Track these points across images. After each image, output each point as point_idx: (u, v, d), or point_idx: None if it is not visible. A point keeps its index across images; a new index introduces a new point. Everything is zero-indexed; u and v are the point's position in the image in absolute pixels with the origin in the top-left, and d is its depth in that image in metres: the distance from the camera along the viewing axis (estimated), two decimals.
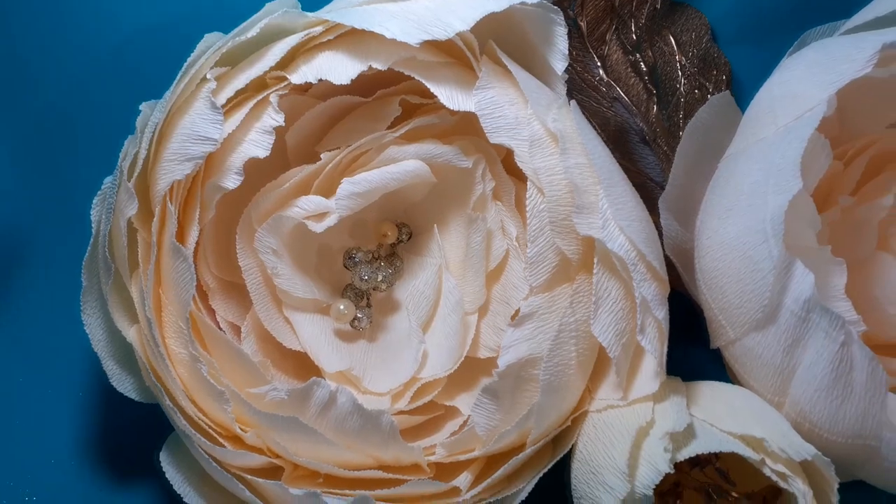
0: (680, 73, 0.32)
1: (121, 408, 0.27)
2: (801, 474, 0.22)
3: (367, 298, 0.29)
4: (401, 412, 0.26)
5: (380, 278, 0.28)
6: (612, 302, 0.23)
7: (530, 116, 0.24)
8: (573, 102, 0.25)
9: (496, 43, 0.26)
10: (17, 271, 0.29)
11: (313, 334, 0.27)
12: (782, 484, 0.22)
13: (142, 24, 0.29)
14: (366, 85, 0.27)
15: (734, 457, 0.23)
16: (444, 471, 0.25)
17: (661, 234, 0.28)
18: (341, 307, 0.28)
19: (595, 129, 0.25)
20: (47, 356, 0.29)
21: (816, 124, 0.24)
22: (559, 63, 0.26)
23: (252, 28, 0.24)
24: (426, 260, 0.29)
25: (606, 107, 0.32)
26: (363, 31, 0.24)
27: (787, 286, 0.23)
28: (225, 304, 0.27)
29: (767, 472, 0.22)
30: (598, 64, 0.32)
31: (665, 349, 0.24)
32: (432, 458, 0.25)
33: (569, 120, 0.24)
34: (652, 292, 0.23)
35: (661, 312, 0.23)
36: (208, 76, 0.24)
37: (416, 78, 0.24)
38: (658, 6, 0.32)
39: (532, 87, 0.25)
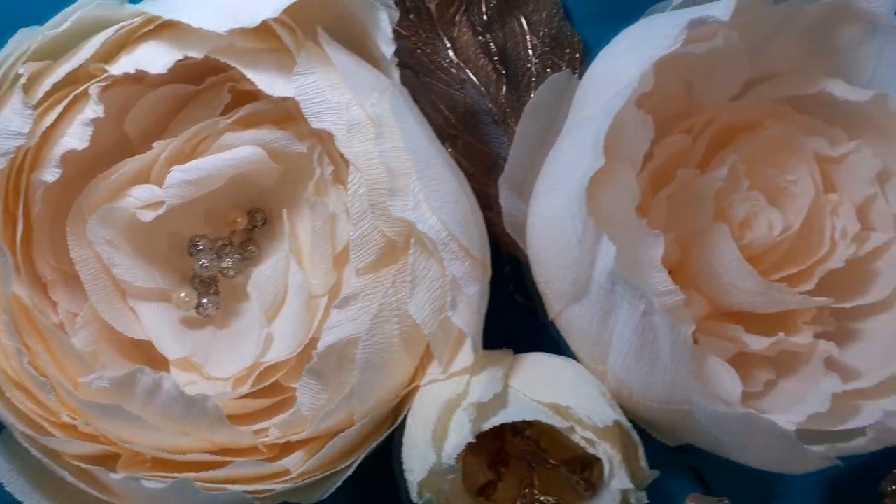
0: (531, 53, 0.33)
1: None
2: (610, 439, 0.23)
3: (216, 285, 0.29)
4: (244, 396, 0.27)
5: (225, 265, 0.29)
6: (429, 281, 0.24)
7: (350, 101, 0.25)
8: (398, 86, 0.26)
9: (331, 29, 0.27)
10: None
11: (156, 323, 0.28)
12: (590, 449, 0.23)
13: None
14: (201, 73, 0.27)
15: (549, 425, 0.24)
16: (282, 451, 0.26)
17: None
18: (182, 295, 0.28)
19: (415, 113, 0.26)
20: None
21: (624, 101, 0.25)
22: (387, 47, 0.26)
23: (64, 22, 0.25)
24: (278, 245, 0.29)
25: (456, 89, 0.32)
26: (179, 22, 0.24)
27: (594, 260, 0.24)
28: (67, 296, 0.27)
29: (576, 438, 0.23)
30: (448, 46, 0.32)
31: (479, 324, 0.25)
32: (267, 440, 0.25)
33: (387, 104, 0.25)
34: (463, 270, 0.24)
35: (473, 289, 0.24)
36: (21, 71, 0.24)
37: (233, 65, 0.25)
38: None
39: (352, 71, 0.25)
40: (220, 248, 0.29)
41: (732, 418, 0.24)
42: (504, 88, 0.32)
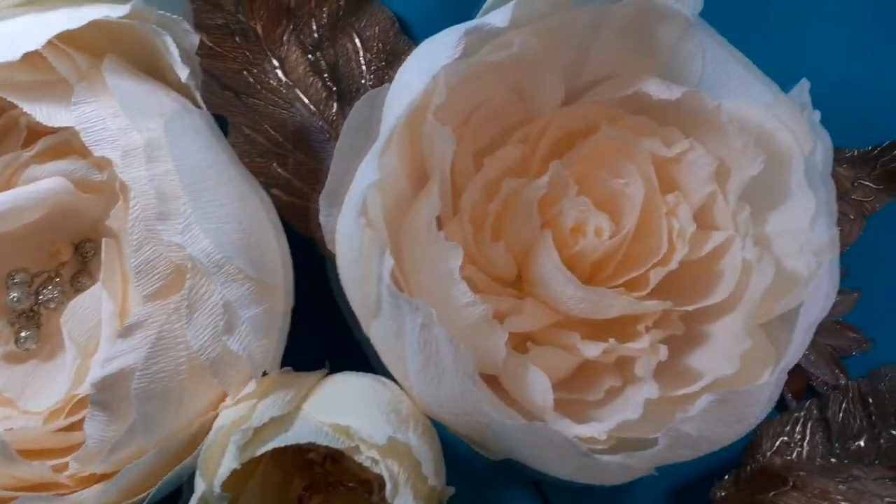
0: (365, 69, 0.33)
1: None
2: (396, 457, 0.23)
3: (38, 318, 0.29)
4: (59, 430, 0.27)
5: (46, 298, 0.29)
6: (210, 306, 0.24)
7: (128, 127, 0.24)
8: (189, 109, 0.26)
9: (132, 56, 0.27)
10: None
11: None
12: (374, 468, 0.23)
13: None
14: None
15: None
16: (84, 483, 0.25)
17: None
18: None
19: (201, 135, 0.25)
20: None
21: (405, 113, 0.24)
22: (181, 71, 0.26)
23: None
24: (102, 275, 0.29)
25: (285, 108, 0.32)
26: None
27: (381, 274, 0.24)
28: None
29: (361, 458, 0.23)
30: (276, 66, 0.32)
31: (267, 348, 0.25)
32: (68, 473, 0.25)
33: (161, 128, 0.24)
34: (240, 294, 0.24)
35: (251, 312, 0.24)
36: None
37: (10, 99, 0.25)
38: (342, 3, 0.33)
39: (131, 98, 0.25)
40: (44, 280, 0.29)
41: (521, 429, 0.23)
42: (335, 105, 0.32)
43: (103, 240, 0.29)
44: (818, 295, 0.25)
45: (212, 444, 0.23)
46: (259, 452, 0.22)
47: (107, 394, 0.24)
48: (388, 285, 0.23)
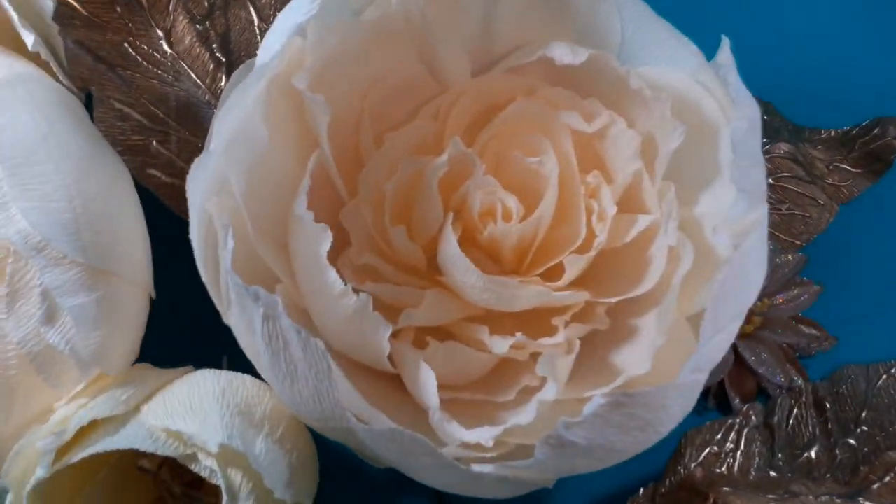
0: (259, 39, 0.30)
1: None
2: (239, 466, 0.20)
3: None
4: None
5: None
6: (36, 294, 0.21)
7: None
8: (32, 77, 0.23)
9: None
10: None
11: None
12: (212, 479, 0.20)
13: None
14: None
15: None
16: None
17: None
18: None
19: (36, 105, 0.23)
20: None
21: (262, 81, 0.21)
22: (27, 38, 0.23)
23: None
24: None
25: (170, 82, 0.29)
26: None
27: (224, 258, 0.21)
28: None
29: (198, 468, 0.20)
30: (161, 37, 0.29)
31: (96, 340, 0.22)
32: None
33: None
34: (63, 280, 0.21)
35: (76, 300, 0.21)
36: None
37: None
38: None
39: None
40: None
41: (382, 435, 0.20)
42: (223, 79, 0.29)
43: None
44: (736, 283, 0.22)
45: (23, 449, 0.20)
46: (75, 459, 0.19)
47: None
48: (228, 271, 0.20)
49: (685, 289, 0.25)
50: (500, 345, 0.25)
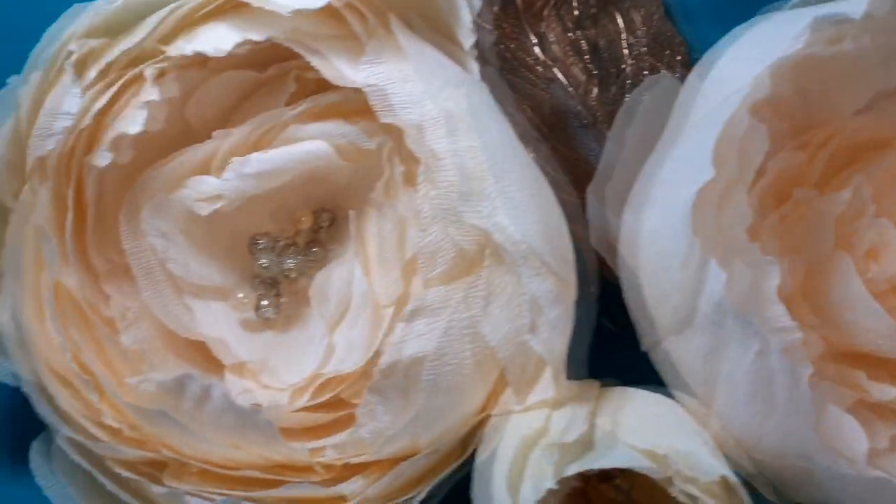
0: (626, 53, 0.30)
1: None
2: (714, 495, 0.20)
3: (278, 287, 0.27)
4: (302, 409, 0.25)
5: (288, 266, 0.27)
6: (506, 298, 0.22)
7: (423, 94, 0.22)
8: (478, 82, 0.24)
9: (418, 17, 0.24)
10: None
11: (213, 323, 0.26)
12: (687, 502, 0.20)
13: None
14: (267, 60, 0.25)
15: (643, 475, 0.21)
16: (340, 474, 0.23)
17: None
18: (240, 295, 0.26)
19: (495, 111, 0.23)
20: None
21: (735, 107, 0.22)
22: (466, 38, 0.24)
23: None
24: (344, 248, 0.27)
25: (542, 88, 0.29)
26: (244, 2, 0.22)
27: (700, 288, 0.21)
28: (121, 290, 0.26)
29: (675, 492, 0.20)
30: (535, 42, 0.30)
31: (562, 351, 0.22)
32: (323, 460, 0.23)
33: (463, 100, 0.22)
34: (545, 289, 0.21)
35: (555, 311, 0.21)
36: (72, 48, 0.22)
37: (297, 50, 0.23)
38: None
39: (427, 62, 0.23)
40: (283, 247, 0.27)
41: (861, 482, 0.20)
42: (595, 90, 0.29)
43: (350, 211, 0.27)
44: None
45: (514, 457, 0.20)
46: (569, 473, 0.20)
47: (389, 381, 0.22)
48: (721, 302, 0.20)
49: None
50: (885, 392, 0.25)
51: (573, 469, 0.20)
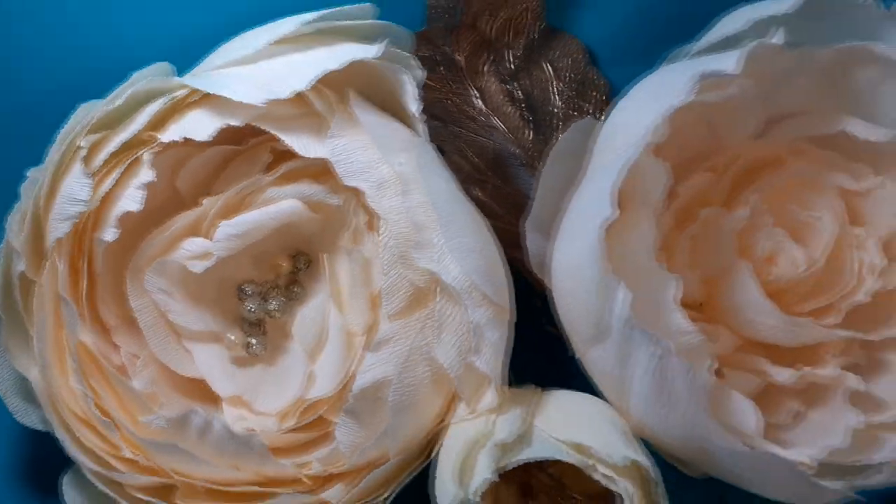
0: (556, 98, 0.34)
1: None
2: (630, 476, 0.25)
3: (263, 326, 0.31)
4: (289, 430, 0.29)
5: (272, 307, 0.31)
6: (455, 326, 0.26)
7: (378, 161, 0.26)
8: (425, 143, 0.28)
9: (364, 90, 0.29)
10: None
11: (208, 362, 0.30)
12: (610, 486, 0.24)
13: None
14: (243, 135, 0.30)
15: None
16: (324, 483, 0.28)
17: None
18: (231, 337, 0.31)
19: (440, 169, 0.27)
20: None
21: (637, 154, 0.26)
22: (413, 106, 0.28)
23: (120, 97, 0.28)
24: (319, 287, 0.31)
25: (484, 136, 0.34)
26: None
27: (612, 307, 0.25)
28: (129, 340, 0.30)
29: (597, 476, 0.24)
30: (476, 95, 0.34)
31: (502, 366, 0.27)
32: (310, 472, 0.27)
33: (413, 163, 0.26)
34: (486, 317, 0.26)
35: (495, 335, 0.26)
36: (82, 143, 0.27)
37: (270, 131, 0.27)
38: (535, 36, 0.34)
39: (381, 132, 0.27)
40: (266, 291, 0.32)
41: (750, 456, 0.25)
42: (531, 134, 0.34)
43: (324, 255, 0.31)
44: None
45: (465, 455, 0.25)
46: (509, 466, 0.24)
47: (361, 403, 0.26)
48: (628, 318, 0.24)
49: None
50: (784, 375, 0.30)
51: (513, 463, 0.24)
